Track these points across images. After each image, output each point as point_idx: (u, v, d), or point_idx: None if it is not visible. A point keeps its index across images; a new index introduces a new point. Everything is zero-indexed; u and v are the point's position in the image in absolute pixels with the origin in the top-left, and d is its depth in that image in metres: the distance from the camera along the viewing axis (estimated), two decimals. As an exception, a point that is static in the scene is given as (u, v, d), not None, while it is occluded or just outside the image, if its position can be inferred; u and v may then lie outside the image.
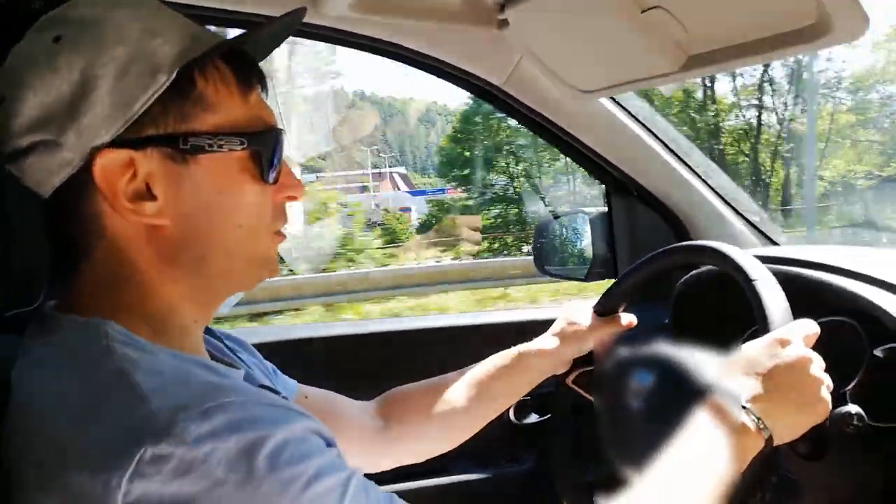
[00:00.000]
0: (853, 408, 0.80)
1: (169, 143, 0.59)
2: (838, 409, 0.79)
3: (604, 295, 1.09)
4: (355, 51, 1.20)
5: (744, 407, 0.69)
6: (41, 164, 0.58)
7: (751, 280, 0.83)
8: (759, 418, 0.69)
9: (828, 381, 0.73)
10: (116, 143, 0.58)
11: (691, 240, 1.40)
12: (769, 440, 0.69)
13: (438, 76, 1.26)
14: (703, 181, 1.40)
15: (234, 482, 0.49)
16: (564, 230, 1.59)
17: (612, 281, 1.44)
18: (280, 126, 0.67)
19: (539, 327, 1.16)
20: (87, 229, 0.61)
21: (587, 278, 1.50)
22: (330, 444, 0.56)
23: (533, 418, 1.33)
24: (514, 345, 1.07)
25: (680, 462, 0.66)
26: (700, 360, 0.83)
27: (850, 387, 0.85)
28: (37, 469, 0.53)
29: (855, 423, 0.79)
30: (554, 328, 1.05)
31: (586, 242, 1.52)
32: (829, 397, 0.73)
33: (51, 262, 0.69)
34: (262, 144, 0.64)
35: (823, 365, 0.74)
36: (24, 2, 0.68)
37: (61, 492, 0.51)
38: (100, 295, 0.61)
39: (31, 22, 0.61)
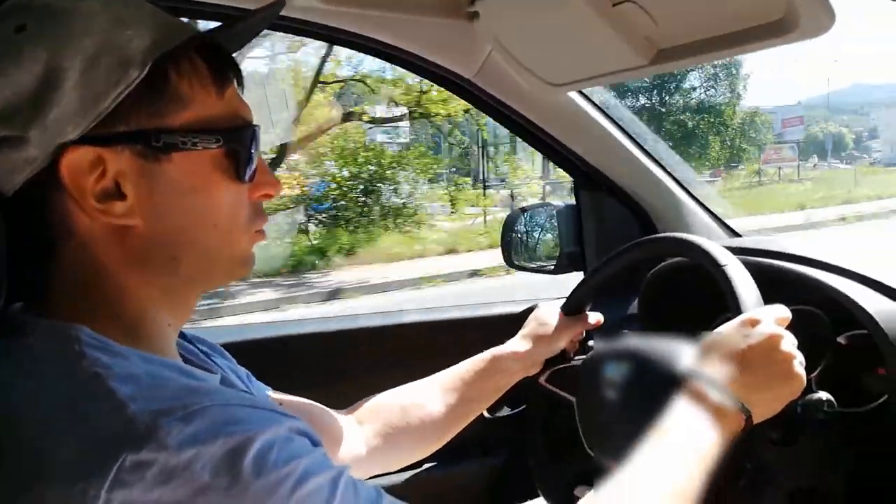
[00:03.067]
0: (823, 394, 0.82)
1: (140, 140, 0.57)
2: (808, 397, 0.81)
3: (572, 293, 1.10)
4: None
5: (721, 389, 0.70)
6: (4, 160, 0.55)
7: (720, 265, 0.85)
8: (737, 399, 0.70)
9: (800, 357, 0.75)
10: (85, 140, 0.55)
11: (658, 232, 1.42)
12: (748, 420, 0.70)
13: (408, 69, 1.25)
14: (670, 174, 1.42)
15: (220, 487, 0.47)
16: (533, 223, 1.59)
17: (581, 274, 1.47)
18: (256, 121, 0.65)
19: (508, 321, 1.16)
20: (54, 230, 0.58)
21: (556, 272, 1.51)
22: (316, 444, 0.55)
23: (505, 411, 1.33)
24: (484, 339, 1.08)
25: (664, 448, 0.67)
26: (673, 348, 0.84)
27: (815, 374, 0.88)
28: (9, 481, 0.51)
29: (825, 409, 0.81)
30: (525, 330, 1.07)
31: (554, 235, 1.53)
32: (803, 372, 0.74)
33: (11, 264, 0.66)
34: (238, 142, 0.62)
35: (795, 342, 0.75)
36: None
37: None
38: (69, 298, 0.59)
39: None
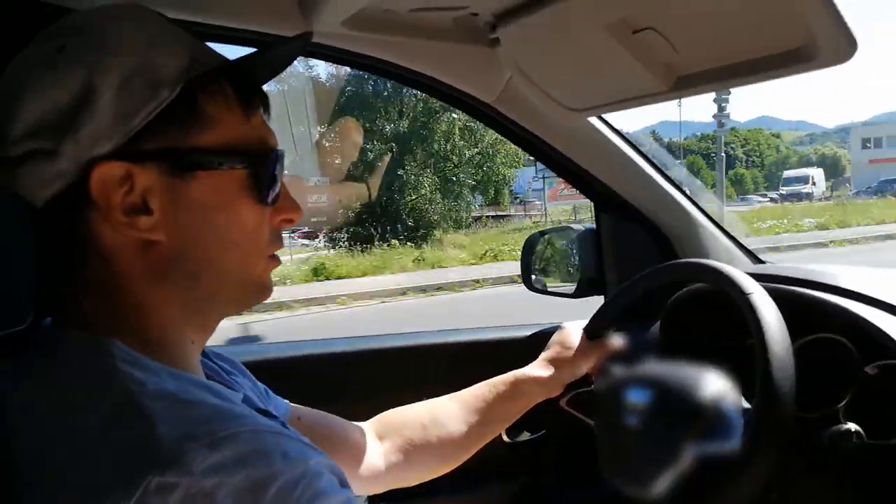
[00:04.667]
0: (851, 425, 0.80)
1: (168, 158, 0.59)
2: (836, 427, 0.79)
3: (594, 317, 1.09)
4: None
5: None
6: (36, 173, 0.57)
7: (746, 293, 0.84)
8: None
9: None
10: (115, 156, 0.57)
11: (679, 257, 1.41)
12: None
13: (429, 93, 1.26)
14: (690, 199, 1.41)
15: None
16: (552, 246, 1.59)
17: (601, 298, 1.46)
18: (281, 148, 0.66)
19: (529, 343, 1.15)
20: (81, 242, 0.59)
21: (576, 295, 1.50)
22: (343, 484, 0.55)
23: (525, 436, 1.32)
24: (504, 360, 1.08)
25: None
26: (694, 375, 0.83)
27: (842, 404, 0.86)
28: (36, 494, 0.51)
29: (853, 440, 0.79)
30: (547, 354, 1.07)
31: (575, 259, 1.53)
32: None
33: (40, 278, 0.67)
34: (262, 165, 0.63)
35: None
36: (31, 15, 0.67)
37: None
38: (96, 311, 0.60)
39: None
